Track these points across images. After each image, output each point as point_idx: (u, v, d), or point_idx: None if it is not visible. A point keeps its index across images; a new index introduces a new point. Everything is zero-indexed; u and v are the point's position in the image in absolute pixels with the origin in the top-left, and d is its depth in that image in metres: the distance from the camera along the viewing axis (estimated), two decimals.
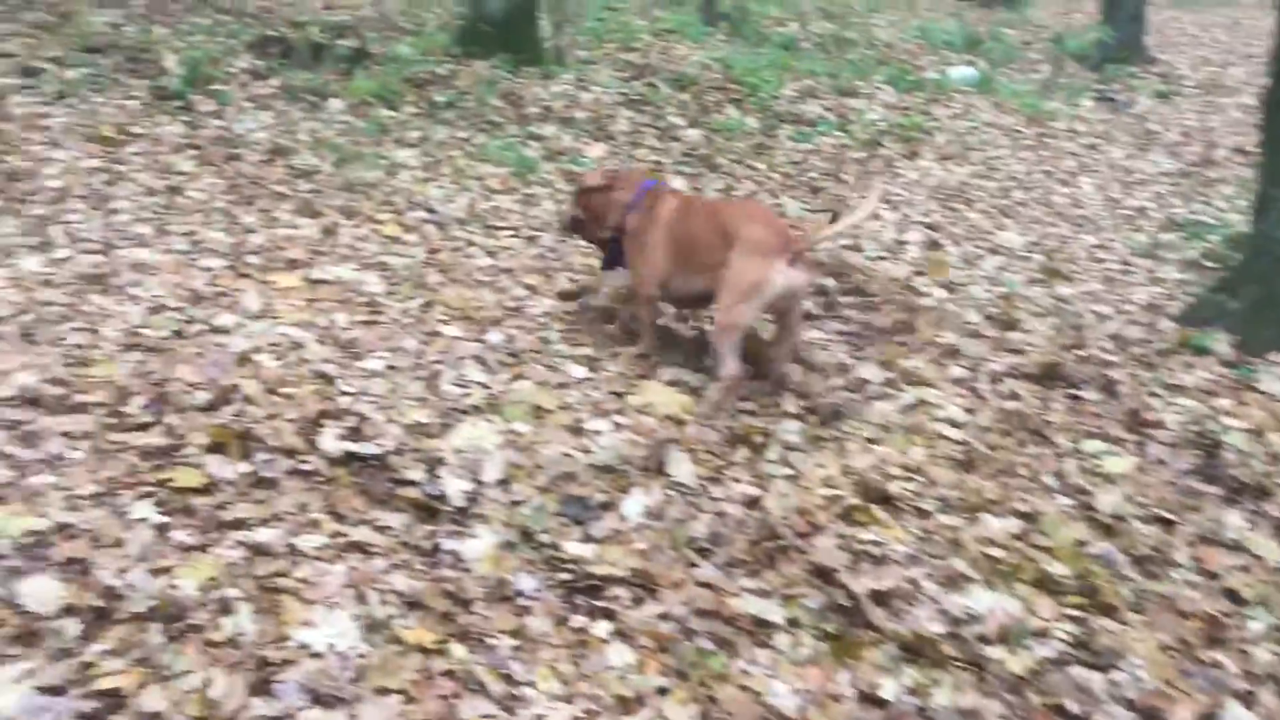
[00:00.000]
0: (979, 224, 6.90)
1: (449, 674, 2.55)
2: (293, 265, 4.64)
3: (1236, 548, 3.51)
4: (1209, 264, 6.35)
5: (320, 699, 2.40)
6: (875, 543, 3.30)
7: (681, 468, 3.55)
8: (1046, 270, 6.09)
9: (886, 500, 3.52)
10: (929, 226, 6.68)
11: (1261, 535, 3.55)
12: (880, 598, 3.04)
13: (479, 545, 3.02)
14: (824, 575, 3.09)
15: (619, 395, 4.03)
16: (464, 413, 3.68)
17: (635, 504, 3.32)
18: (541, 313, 4.65)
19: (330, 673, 2.47)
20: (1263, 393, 4.43)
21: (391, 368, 3.92)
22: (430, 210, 5.63)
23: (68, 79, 6.29)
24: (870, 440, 3.93)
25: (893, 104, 9.37)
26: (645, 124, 7.73)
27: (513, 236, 5.55)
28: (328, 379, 3.73)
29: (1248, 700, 2.85)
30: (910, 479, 3.70)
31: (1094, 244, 6.77)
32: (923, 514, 3.50)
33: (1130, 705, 2.79)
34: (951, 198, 7.33)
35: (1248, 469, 3.88)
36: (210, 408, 3.41)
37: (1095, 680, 2.85)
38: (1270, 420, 4.17)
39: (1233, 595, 3.29)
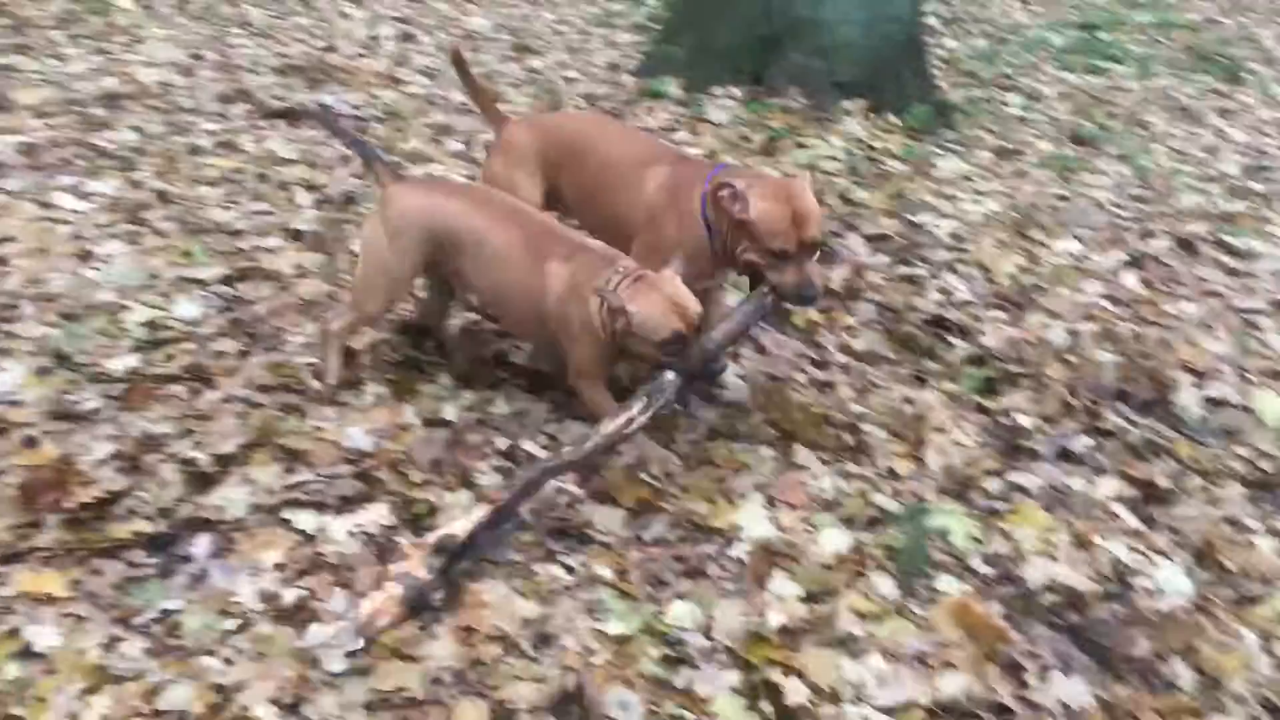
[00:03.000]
0: (448, 13, 7.10)
1: None
2: None
3: None
4: (654, 25, 7.06)
5: None
6: None
7: None
8: (517, 47, 6.47)
9: None
10: (400, 20, 6.78)
11: None
12: None
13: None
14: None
15: None
16: None
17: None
18: None
19: None
20: (710, 122, 5.16)
21: None
22: None
23: None
24: None
25: None
26: None
27: None
28: None
29: None
30: None
31: (553, 20, 7.25)
32: None
33: None
34: None
35: None
36: None
37: None
38: (716, 142, 4.90)
39: None
